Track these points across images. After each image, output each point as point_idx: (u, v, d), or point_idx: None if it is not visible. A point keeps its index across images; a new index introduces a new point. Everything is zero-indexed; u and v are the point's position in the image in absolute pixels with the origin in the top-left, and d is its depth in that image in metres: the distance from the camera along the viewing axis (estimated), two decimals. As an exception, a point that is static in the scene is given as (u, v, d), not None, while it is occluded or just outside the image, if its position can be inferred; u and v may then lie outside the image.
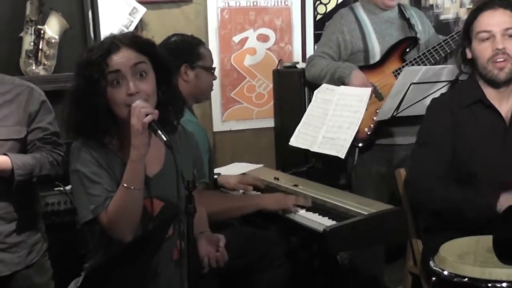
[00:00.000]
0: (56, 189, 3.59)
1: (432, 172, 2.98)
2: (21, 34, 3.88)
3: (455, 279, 2.39)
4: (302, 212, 3.23)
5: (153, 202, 2.52)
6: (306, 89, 4.41)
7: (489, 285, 2.33)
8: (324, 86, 3.84)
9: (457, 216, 2.90)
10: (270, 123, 5.04)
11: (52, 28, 3.89)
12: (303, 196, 3.37)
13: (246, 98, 4.97)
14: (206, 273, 2.69)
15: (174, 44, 3.47)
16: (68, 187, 3.54)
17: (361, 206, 3.13)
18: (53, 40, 3.90)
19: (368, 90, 3.65)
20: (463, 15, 4.98)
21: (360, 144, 3.88)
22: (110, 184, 2.46)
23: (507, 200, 2.77)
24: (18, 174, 2.86)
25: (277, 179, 3.70)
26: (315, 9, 5.06)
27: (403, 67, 3.93)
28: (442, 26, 5.08)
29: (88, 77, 2.43)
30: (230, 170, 3.95)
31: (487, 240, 2.60)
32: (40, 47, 3.88)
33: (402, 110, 3.75)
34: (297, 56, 4.97)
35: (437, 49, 3.93)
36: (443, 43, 3.94)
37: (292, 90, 4.67)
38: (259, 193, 3.59)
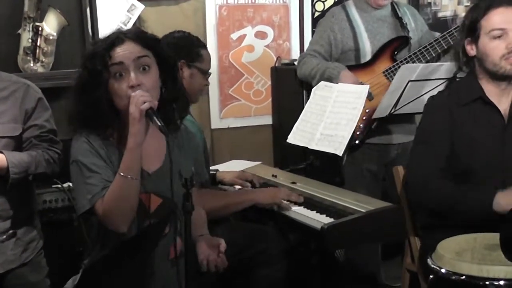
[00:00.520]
0: (53, 186, 3.60)
1: (430, 170, 2.97)
2: (19, 31, 3.89)
3: (453, 277, 2.39)
4: (300, 209, 3.23)
5: (150, 198, 2.53)
6: (304, 86, 4.41)
7: (487, 283, 2.32)
8: (323, 83, 3.83)
9: (451, 212, 2.90)
10: (268, 120, 5.04)
11: (50, 25, 3.89)
12: (296, 192, 3.38)
13: (244, 95, 4.97)
14: (203, 271, 2.69)
15: (175, 39, 3.47)
16: (65, 185, 3.54)
17: (359, 204, 3.13)
18: (51, 37, 3.90)
19: (366, 87, 3.64)
20: (461, 12, 4.97)
21: (356, 142, 3.90)
22: (109, 175, 2.47)
23: (504, 199, 2.77)
24: (13, 172, 2.86)
25: (275, 176, 3.70)
26: (313, 6, 5.06)
27: (393, 67, 3.94)
28: (439, 24, 5.07)
29: (91, 69, 2.47)
30: (228, 167, 3.95)
31: (484, 237, 2.61)
32: (38, 44, 3.88)
33: (400, 108, 3.75)
34: (295, 53, 4.97)
35: (428, 49, 3.93)
36: (434, 43, 3.93)
37: (290, 87, 4.66)
38: (252, 188, 3.59)
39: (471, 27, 3.03)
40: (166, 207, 2.53)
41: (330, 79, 3.90)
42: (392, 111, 3.75)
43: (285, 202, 3.30)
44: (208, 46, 4.73)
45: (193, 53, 3.46)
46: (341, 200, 3.21)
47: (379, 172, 4.12)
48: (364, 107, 3.67)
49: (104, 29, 4.12)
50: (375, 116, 3.83)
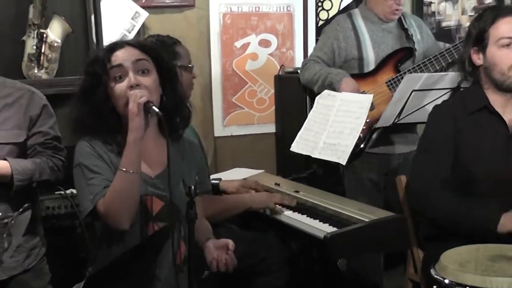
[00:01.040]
0: (56, 192, 3.59)
1: (433, 178, 2.97)
2: (24, 38, 3.89)
3: (456, 288, 2.39)
4: (303, 218, 3.23)
5: (153, 201, 2.55)
6: (307, 95, 4.41)
7: (490, 293, 2.33)
8: (326, 92, 3.83)
9: (454, 227, 2.90)
10: (271, 128, 5.05)
11: (55, 32, 3.90)
12: (287, 196, 3.41)
13: (247, 103, 4.98)
14: (205, 277, 2.69)
15: None
16: (68, 191, 3.54)
17: (362, 213, 3.12)
18: (55, 44, 3.90)
19: (370, 97, 3.64)
20: (465, 22, 4.98)
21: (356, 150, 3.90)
22: (110, 176, 2.49)
23: (509, 222, 2.79)
24: (17, 179, 2.86)
25: (278, 184, 3.70)
26: (317, 15, 5.07)
27: (396, 78, 3.93)
28: (443, 33, 5.08)
29: (92, 73, 2.53)
30: (230, 175, 3.95)
31: (487, 248, 2.61)
32: (43, 50, 3.88)
33: (404, 117, 3.75)
34: (298, 62, 4.96)
35: (432, 61, 3.92)
36: (439, 56, 3.92)
37: (293, 96, 4.67)
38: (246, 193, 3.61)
39: (478, 36, 3.02)
40: (169, 210, 2.54)
41: (331, 85, 3.90)
42: (396, 120, 3.75)
43: (278, 206, 3.33)
44: (211, 53, 4.80)
45: (169, 54, 3.42)
46: (344, 209, 3.20)
47: (380, 181, 4.12)
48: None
49: (108, 36, 4.13)
50: (378, 125, 3.82)
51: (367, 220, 3.05)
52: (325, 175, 4.11)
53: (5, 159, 2.88)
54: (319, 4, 5.06)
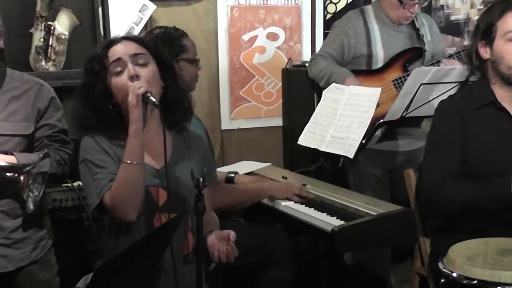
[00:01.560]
0: (64, 185, 3.59)
1: (444, 172, 2.95)
2: (31, 30, 3.89)
3: (464, 281, 2.38)
4: (310, 211, 3.22)
5: (159, 191, 2.56)
6: (315, 88, 4.40)
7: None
8: (334, 85, 3.83)
9: (476, 210, 2.86)
10: (278, 121, 5.05)
11: (62, 24, 3.90)
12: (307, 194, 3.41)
13: (254, 96, 4.98)
14: (211, 270, 2.69)
15: (157, 37, 3.44)
16: (75, 184, 3.54)
17: (369, 206, 3.12)
18: (63, 36, 3.90)
19: (378, 90, 3.63)
20: (474, 15, 4.95)
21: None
22: (116, 170, 2.50)
23: None
24: None
25: (285, 178, 3.70)
26: (325, 8, 5.06)
27: (403, 77, 3.92)
28: (452, 27, 5.06)
29: (90, 69, 2.56)
30: (237, 168, 3.95)
31: (496, 242, 2.60)
32: (50, 43, 3.88)
33: (411, 111, 3.74)
34: (306, 55, 4.97)
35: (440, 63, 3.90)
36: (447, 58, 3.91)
37: (301, 89, 4.66)
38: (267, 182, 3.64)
39: (486, 30, 3.00)
40: (175, 201, 2.56)
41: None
42: (404, 114, 3.74)
43: (296, 197, 3.35)
44: (219, 47, 4.79)
45: (176, 47, 3.43)
46: (352, 203, 3.20)
47: (384, 176, 4.11)
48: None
49: (116, 29, 4.14)
50: (386, 119, 3.81)
51: (374, 213, 3.06)
52: (333, 169, 4.10)
53: (11, 153, 2.88)
54: (327, -3, 5.06)
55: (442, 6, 5.14)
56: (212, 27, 4.77)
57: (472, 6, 5.01)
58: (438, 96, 3.62)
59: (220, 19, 4.80)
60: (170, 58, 2.74)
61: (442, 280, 2.47)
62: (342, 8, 5.02)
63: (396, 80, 3.95)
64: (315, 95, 4.44)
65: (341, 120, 3.64)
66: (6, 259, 2.97)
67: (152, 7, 4.45)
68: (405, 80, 3.84)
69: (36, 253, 3.06)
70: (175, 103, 2.64)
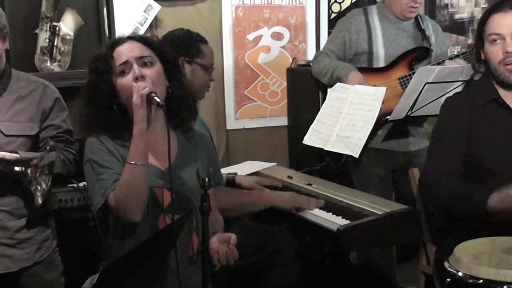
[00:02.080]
0: (69, 185, 3.60)
1: (445, 167, 2.95)
2: (36, 31, 3.89)
3: (470, 280, 2.37)
4: (316, 210, 3.23)
5: (163, 193, 2.55)
6: (319, 87, 4.40)
7: (504, 287, 2.31)
8: (339, 84, 3.83)
9: (451, 209, 2.88)
10: (283, 121, 5.04)
11: (67, 25, 3.90)
12: (315, 197, 3.37)
13: (259, 96, 4.98)
14: (217, 270, 2.69)
15: (174, 36, 3.47)
16: (81, 184, 3.55)
17: (375, 206, 3.12)
18: (68, 37, 3.90)
19: (383, 89, 3.63)
20: (478, 14, 4.96)
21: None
22: (121, 170, 2.50)
23: (498, 197, 2.74)
24: None
25: (291, 177, 3.69)
26: (329, 7, 5.06)
27: (409, 75, 3.91)
28: (456, 25, 5.06)
29: (95, 69, 2.56)
30: (243, 168, 3.95)
31: (502, 241, 2.60)
32: (55, 43, 3.88)
33: (416, 110, 3.74)
34: (311, 55, 4.96)
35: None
36: (453, 57, 3.90)
37: (305, 89, 4.66)
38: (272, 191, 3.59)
39: (478, 32, 3.06)
40: (180, 203, 2.56)
41: (339, 79, 3.90)
42: (409, 113, 3.74)
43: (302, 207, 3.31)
44: (224, 46, 4.79)
45: (193, 49, 3.44)
46: (357, 202, 3.20)
47: (387, 177, 4.11)
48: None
49: (121, 29, 4.13)
50: (391, 118, 3.81)
51: (380, 213, 3.05)
52: (338, 168, 4.10)
53: (16, 153, 2.88)
54: (332, -4, 5.06)
55: (446, 5, 5.14)
56: (216, 26, 4.77)
57: (477, 4, 5.02)
58: (443, 95, 3.62)
59: (225, 18, 4.80)
60: (176, 58, 2.72)
61: (448, 279, 2.46)
62: (346, 7, 5.01)
63: (402, 78, 3.95)
64: (320, 94, 4.43)
65: (346, 119, 3.65)
66: (10, 259, 2.99)
67: (157, 7, 4.45)
68: (411, 78, 3.84)
69: (41, 253, 3.07)
70: (180, 103, 2.64)
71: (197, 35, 3.52)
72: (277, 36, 4.98)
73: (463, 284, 2.40)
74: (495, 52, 2.95)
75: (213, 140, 3.42)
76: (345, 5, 5.06)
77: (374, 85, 3.86)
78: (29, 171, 2.84)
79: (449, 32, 4.68)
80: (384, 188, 4.07)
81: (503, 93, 3.01)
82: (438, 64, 3.87)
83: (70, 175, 3.13)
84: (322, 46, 4.81)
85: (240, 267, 2.78)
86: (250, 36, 4.89)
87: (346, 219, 3.06)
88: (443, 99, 3.37)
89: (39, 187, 2.85)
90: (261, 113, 5.00)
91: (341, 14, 4.94)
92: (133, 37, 2.63)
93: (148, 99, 2.45)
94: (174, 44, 3.32)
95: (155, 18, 4.49)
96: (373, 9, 4.15)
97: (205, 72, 3.48)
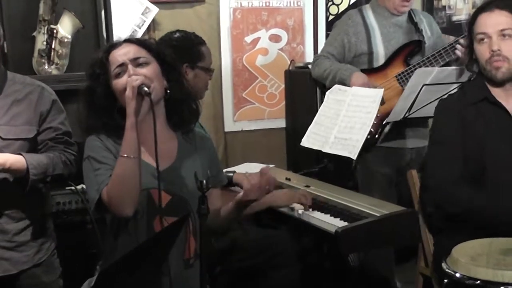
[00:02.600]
0: (67, 188, 3.60)
1: (448, 172, 2.97)
2: (34, 34, 3.90)
3: (468, 281, 2.38)
4: (314, 212, 3.23)
5: (161, 194, 2.53)
6: (318, 89, 4.40)
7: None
8: (337, 87, 3.83)
9: (480, 220, 2.89)
10: (281, 123, 5.04)
11: (65, 27, 3.91)
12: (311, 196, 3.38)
13: (257, 98, 4.98)
14: (217, 272, 2.69)
15: (173, 41, 3.44)
16: (79, 187, 3.55)
17: (373, 208, 3.12)
18: (65, 40, 3.91)
19: (381, 91, 3.63)
20: (476, 16, 4.96)
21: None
22: None
23: None
24: (32, 173, 2.85)
25: (289, 179, 3.70)
26: (327, 9, 5.06)
27: (406, 71, 3.92)
28: (454, 27, 5.07)
29: (92, 74, 2.57)
30: (241, 170, 3.94)
31: (499, 242, 2.60)
32: (53, 46, 3.89)
33: (414, 112, 3.74)
34: (309, 57, 4.96)
35: (441, 53, 3.88)
36: (448, 48, 3.90)
37: (303, 91, 4.66)
38: None
39: (469, 32, 3.11)
40: (177, 204, 2.56)
41: (342, 81, 3.90)
42: (407, 114, 3.74)
43: (298, 205, 3.31)
44: (222, 49, 4.79)
45: (194, 54, 3.43)
46: (355, 204, 3.20)
47: (393, 176, 4.11)
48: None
49: (119, 32, 4.14)
50: (389, 119, 3.82)
51: (378, 214, 3.06)
52: (336, 170, 4.10)
53: (19, 154, 2.87)
54: (329, -2, 5.06)
55: (444, 7, 5.15)
56: (214, 29, 4.77)
57: (474, 6, 5.03)
58: (441, 96, 3.62)
59: (223, 21, 4.80)
60: (173, 59, 2.71)
61: (446, 281, 2.47)
62: (344, 10, 5.01)
63: (399, 75, 3.95)
64: (318, 96, 4.43)
65: (344, 121, 3.64)
66: (9, 262, 2.98)
67: (155, 9, 4.45)
68: (408, 74, 3.86)
69: (40, 256, 3.07)
70: (180, 104, 2.64)
71: (195, 37, 3.51)
72: (275, 38, 4.98)
73: (461, 285, 2.41)
74: (482, 51, 3.01)
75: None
76: (343, 7, 5.06)
77: (374, 86, 3.87)
78: None
79: (447, 33, 4.67)
80: (388, 188, 4.07)
81: (494, 91, 3.05)
82: (436, 55, 3.89)
83: (71, 176, 3.12)
84: (320, 48, 4.82)
85: (239, 269, 2.79)
86: (248, 39, 4.90)
87: (344, 221, 3.07)
88: (440, 100, 3.38)
89: None
90: (259, 115, 5.00)
91: (338, 16, 4.94)
92: (129, 40, 2.63)
93: (139, 90, 2.44)
94: (176, 51, 3.31)
95: (153, 20, 4.49)
96: (367, 8, 4.16)
97: (206, 73, 3.48)
